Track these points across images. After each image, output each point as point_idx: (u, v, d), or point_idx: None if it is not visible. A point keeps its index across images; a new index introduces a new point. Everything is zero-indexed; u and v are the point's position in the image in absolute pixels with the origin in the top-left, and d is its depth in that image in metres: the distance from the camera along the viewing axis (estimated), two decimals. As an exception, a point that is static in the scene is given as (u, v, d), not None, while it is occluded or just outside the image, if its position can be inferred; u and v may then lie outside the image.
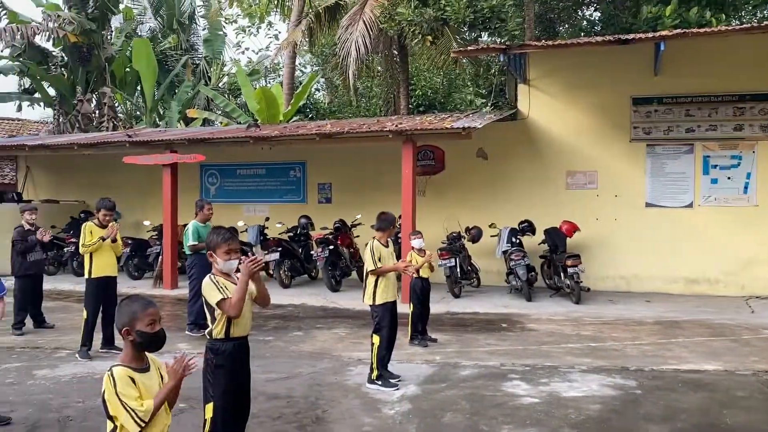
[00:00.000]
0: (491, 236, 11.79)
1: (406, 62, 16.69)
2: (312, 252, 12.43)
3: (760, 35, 10.29)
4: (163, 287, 12.19)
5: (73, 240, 13.57)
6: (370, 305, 6.19)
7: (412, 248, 7.86)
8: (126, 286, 11.67)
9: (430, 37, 13.06)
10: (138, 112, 22.86)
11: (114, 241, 7.47)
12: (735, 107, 11.43)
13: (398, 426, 5.13)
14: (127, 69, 20.97)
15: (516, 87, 13.28)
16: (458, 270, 11.22)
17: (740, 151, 11.46)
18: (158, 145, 12.69)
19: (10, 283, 7.79)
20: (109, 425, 2.69)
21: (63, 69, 20.49)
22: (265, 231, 13.00)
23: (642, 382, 6.22)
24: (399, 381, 6.13)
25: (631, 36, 10.23)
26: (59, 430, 5.02)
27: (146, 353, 2.83)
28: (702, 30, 9.91)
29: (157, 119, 21.53)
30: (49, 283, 9.99)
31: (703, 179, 11.64)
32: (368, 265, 6.13)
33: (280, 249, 12.12)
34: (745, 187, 11.46)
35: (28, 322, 8.84)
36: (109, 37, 20.69)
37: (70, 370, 6.79)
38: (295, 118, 18.83)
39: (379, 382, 6.02)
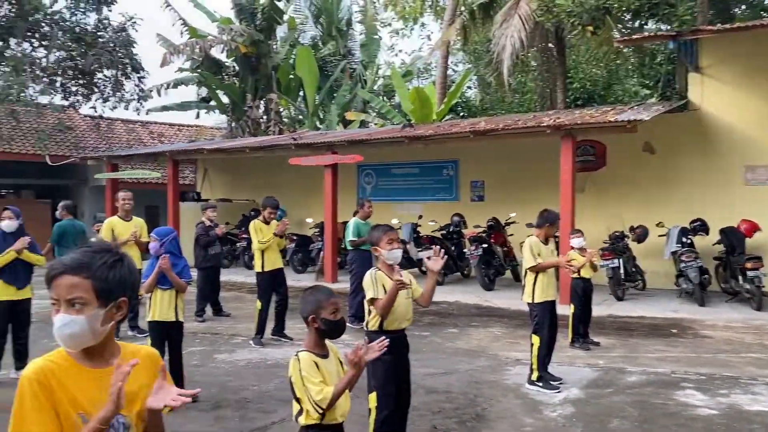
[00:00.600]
0: (658, 236, 11.06)
1: (564, 55, 16.14)
2: (465, 250, 12.43)
3: None
4: (324, 280, 12.81)
5: (245, 236, 14.69)
6: (529, 303, 6.06)
7: (572, 247, 7.58)
8: (291, 280, 12.37)
9: (590, 27, 12.52)
10: (300, 116, 24.19)
11: (282, 236, 8.00)
12: None
13: (561, 428, 4.98)
14: (291, 76, 22.27)
15: (686, 76, 12.36)
16: (622, 271, 10.65)
17: None
18: (320, 146, 13.35)
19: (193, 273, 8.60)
20: (296, 406, 2.87)
21: (235, 78, 22.21)
22: (418, 229, 13.21)
23: (843, 400, 5.53)
24: (560, 384, 5.96)
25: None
26: (237, 410, 5.46)
27: (326, 341, 2.99)
28: None
29: (317, 122, 22.65)
30: (223, 275, 10.88)
31: None
32: (527, 262, 5.98)
33: (437, 246, 12.23)
34: None
35: (208, 310, 9.72)
36: (274, 47, 22.11)
37: (245, 355, 7.35)
38: (447, 117, 18.93)
39: (540, 384, 5.88)
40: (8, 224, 6.20)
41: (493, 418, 5.22)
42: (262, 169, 16.65)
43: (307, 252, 14.33)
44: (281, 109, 22.28)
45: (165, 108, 21.75)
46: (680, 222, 10.87)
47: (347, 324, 8.91)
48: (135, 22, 19.66)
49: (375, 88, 25.03)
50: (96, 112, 20.36)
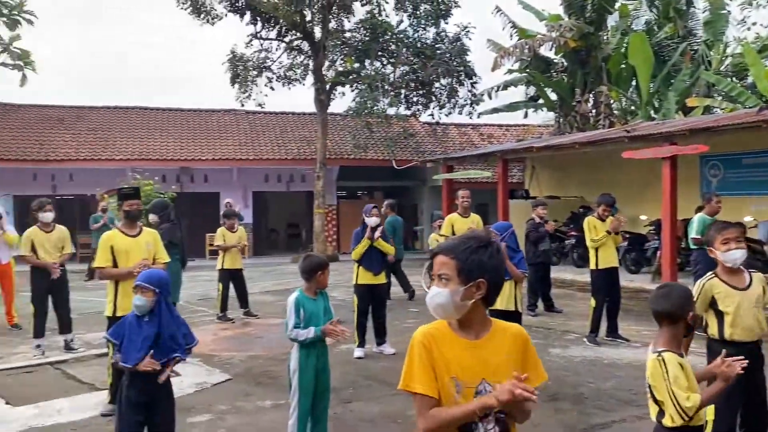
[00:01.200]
0: None
1: None
2: None
3: None
4: (661, 282, 11.94)
5: (573, 233, 14.52)
6: None
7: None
8: (624, 280, 11.83)
9: None
10: (633, 107, 22.89)
11: (616, 233, 7.78)
12: None
13: None
14: (623, 65, 21.19)
15: None
16: None
17: None
18: (656, 138, 12.45)
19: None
20: (654, 408, 2.82)
21: (563, 74, 22.04)
22: (781, 227, 11.41)
23: None
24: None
25: None
26: (575, 404, 5.45)
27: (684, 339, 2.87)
28: None
29: (652, 112, 21.16)
30: (552, 272, 10.92)
31: None
32: None
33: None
34: None
35: (539, 305, 9.86)
36: (605, 37, 21.33)
37: (579, 352, 7.29)
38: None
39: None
40: (374, 220, 7.40)
41: None
42: (590, 164, 16.21)
43: (641, 251, 13.54)
44: (611, 102, 21.37)
45: (495, 110, 22.64)
46: None
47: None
48: (469, 32, 20.93)
49: (722, 69, 22.35)
50: (433, 118, 22.27)
